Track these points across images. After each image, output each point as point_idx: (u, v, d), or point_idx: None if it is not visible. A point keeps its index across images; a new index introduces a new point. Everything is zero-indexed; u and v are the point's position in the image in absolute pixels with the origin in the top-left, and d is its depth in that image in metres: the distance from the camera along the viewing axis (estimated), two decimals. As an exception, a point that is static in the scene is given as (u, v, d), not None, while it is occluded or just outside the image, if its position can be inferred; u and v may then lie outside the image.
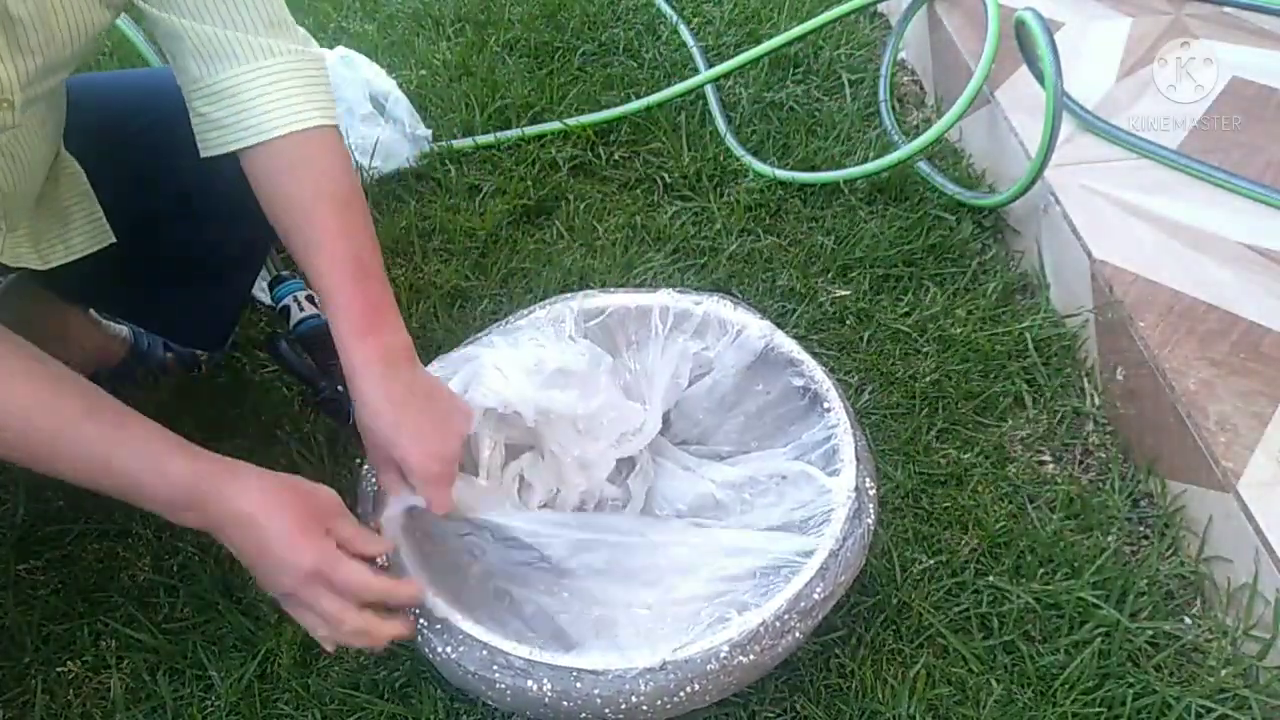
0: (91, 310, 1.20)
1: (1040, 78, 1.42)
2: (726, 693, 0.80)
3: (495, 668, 0.76)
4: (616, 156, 1.58)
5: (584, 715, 0.76)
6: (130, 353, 1.23)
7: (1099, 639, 0.95)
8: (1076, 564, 1.02)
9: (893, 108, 1.66)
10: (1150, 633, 0.96)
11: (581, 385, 0.96)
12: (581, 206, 1.49)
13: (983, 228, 1.45)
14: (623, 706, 0.75)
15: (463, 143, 1.60)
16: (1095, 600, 0.98)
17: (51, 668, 0.97)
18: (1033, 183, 1.32)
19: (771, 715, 0.92)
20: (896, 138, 1.60)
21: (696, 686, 0.75)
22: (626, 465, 1.04)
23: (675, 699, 0.75)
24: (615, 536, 0.89)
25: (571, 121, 1.61)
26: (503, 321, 1.03)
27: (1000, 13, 1.43)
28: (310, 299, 1.16)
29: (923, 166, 1.50)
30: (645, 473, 1.03)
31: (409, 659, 0.95)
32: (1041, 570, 1.02)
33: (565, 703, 0.75)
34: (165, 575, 1.04)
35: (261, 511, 0.75)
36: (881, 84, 1.69)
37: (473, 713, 0.92)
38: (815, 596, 0.78)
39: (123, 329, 1.24)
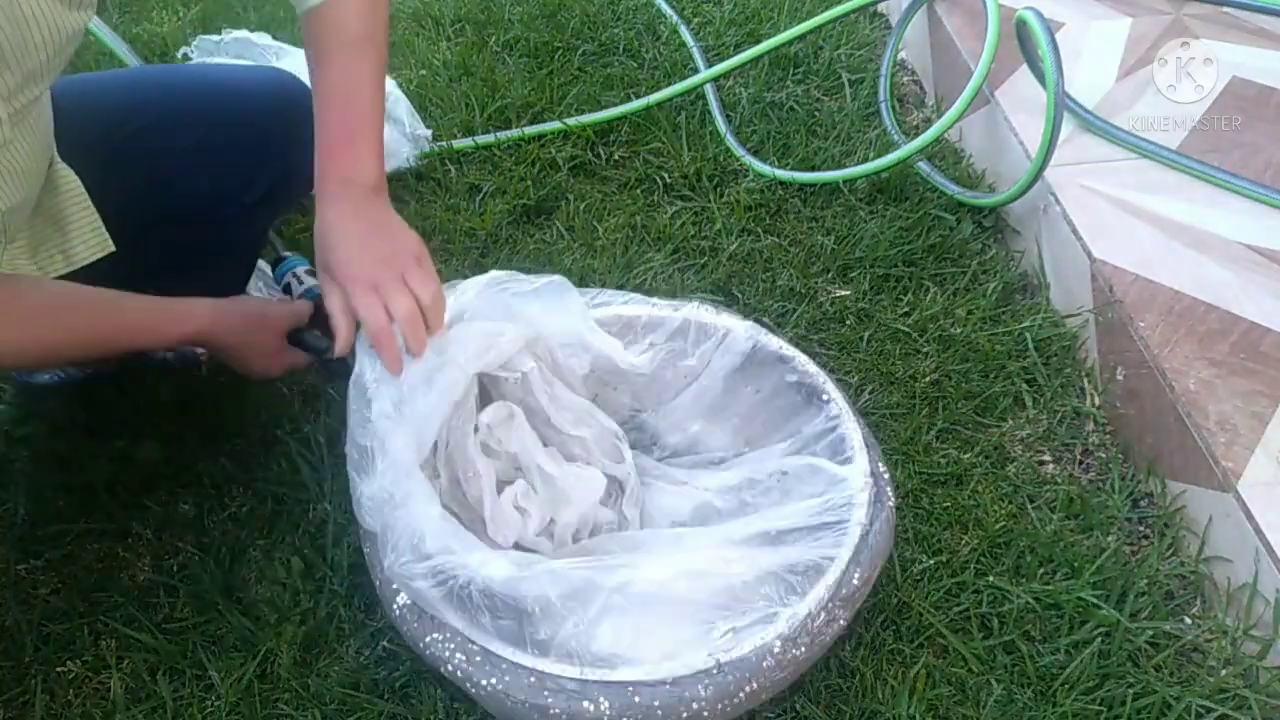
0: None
1: (1041, 77, 1.42)
2: (780, 688, 0.78)
3: (546, 693, 0.74)
4: (616, 156, 1.58)
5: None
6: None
7: (1099, 639, 0.95)
8: (1076, 564, 1.02)
9: (893, 108, 1.66)
10: (1150, 633, 0.97)
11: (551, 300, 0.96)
12: (581, 206, 1.49)
13: (983, 228, 1.45)
14: (684, 715, 0.73)
15: (463, 143, 1.61)
16: (1095, 600, 0.98)
17: (51, 668, 0.96)
18: (1033, 182, 1.32)
19: (771, 715, 0.92)
20: (896, 138, 1.60)
21: (755, 685, 0.74)
22: (615, 489, 1.01)
23: (735, 700, 0.73)
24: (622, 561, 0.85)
25: (572, 121, 1.61)
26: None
27: (1000, 13, 1.43)
28: (310, 272, 1.15)
29: (923, 166, 1.50)
30: (634, 495, 1.00)
31: (409, 659, 0.95)
32: (1041, 570, 1.02)
33: (625, 718, 0.73)
34: (165, 575, 1.04)
35: (242, 327, 0.95)
36: (881, 84, 1.69)
37: (473, 713, 0.92)
38: (854, 583, 0.78)
39: (123, 328, 1.24)
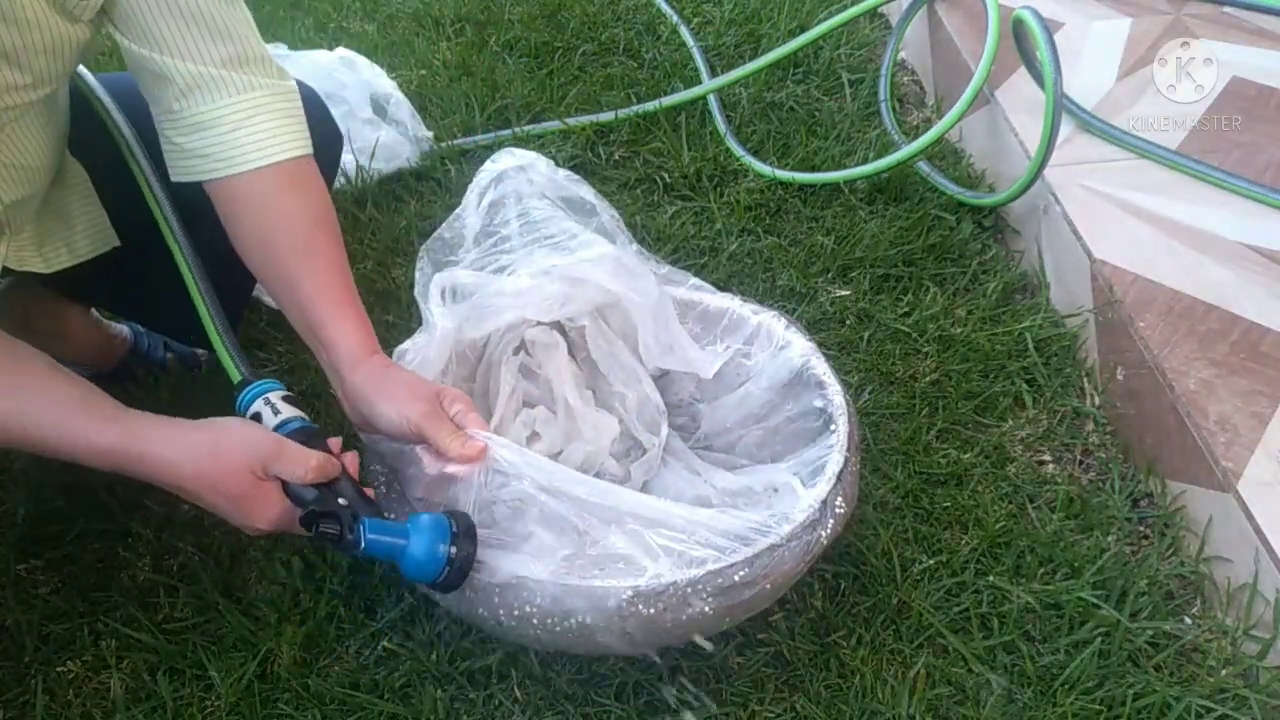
0: (93, 310, 1.20)
1: (1038, 77, 1.42)
2: (621, 643, 0.80)
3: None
4: (616, 156, 1.58)
5: (482, 610, 0.79)
6: (130, 352, 1.24)
7: (1099, 639, 0.95)
8: (1076, 564, 1.02)
9: (893, 108, 1.66)
10: (1150, 633, 0.97)
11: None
12: (581, 206, 1.49)
13: (983, 228, 1.45)
14: (515, 613, 0.77)
15: (463, 142, 1.61)
16: (1095, 600, 0.98)
17: (51, 668, 0.96)
18: (1032, 182, 1.32)
19: (771, 715, 0.92)
20: (896, 138, 1.60)
21: (588, 619, 0.76)
22: (637, 451, 1.05)
23: (564, 624, 0.76)
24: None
25: (572, 121, 1.61)
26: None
27: (1000, 13, 1.43)
28: (287, 399, 0.86)
29: (923, 166, 1.50)
30: (651, 463, 1.03)
31: (409, 659, 0.95)
32: (1041, 570, 1.02)
33: (468, 591, 0.79)
34: (165, 575, 1.04)
35: (200, 488, 0.76)
36: (881, 84, 1.69)
37: (472, 713, 0.92)
38: (735, 578, 0.78)
39: (123, 329, 1.24)
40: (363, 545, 0.76)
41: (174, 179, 0.88)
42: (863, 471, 1.12)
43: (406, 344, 0.96)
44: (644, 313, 1.01)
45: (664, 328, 1.03)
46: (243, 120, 0.84)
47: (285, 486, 0.79)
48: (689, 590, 0.77)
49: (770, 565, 0.79)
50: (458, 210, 1.11)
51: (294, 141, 0.86)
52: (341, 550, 0.78)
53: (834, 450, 0.91)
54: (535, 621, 0.77)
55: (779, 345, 1.02)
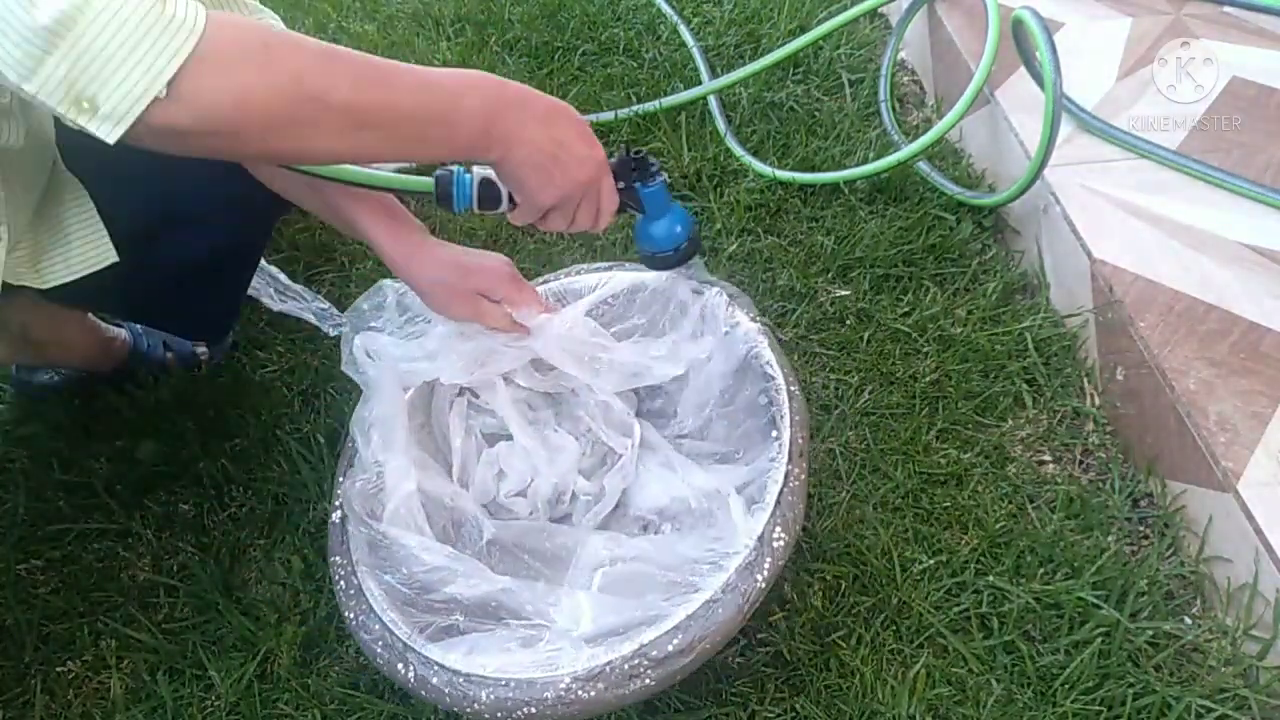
0: (89, 313, 1.20)
1: (1038, 77, 1.42)
2: None
3: (380, 645, 0.81)
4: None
5: (438, 706, 0.80)
6: (130, 353, 1.24)
7: (1099, 639, 0.95)
8: (1076, 564, 1.02)
9: (893, 108, 1.66)
10: (1150, 633, 0.97)
11: None
12: (581, 206, 1.49)
13: (983, 228, 1.45)
14: (467, 709, 0.77)
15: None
16: (1095, 600, 0.98)
17: (51, 668, 0.97)
18: (1031, 182, 1.32)
19: (771, 715, 0.92)
20: (896, 138, 1.60)
21: (533, 710, 0.75)
22: (612, 456, 1.04)
23: (512, 716, 0.76)
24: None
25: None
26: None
27: (1000, 13, 1.43)
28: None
29: (923, 166, 1.50)
30: (624, 471, 1.02)
31: (409, 659, 0.95)
32: (1041, 570, 1.02)
33: (423, 691, 0.79)
34: (165, 575, 1.04)
35: (562, 111, 0.83)
36: (881, 84, 1.69)
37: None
38: (669, 648, 0.76)
39: (122, 330, 1.24)
40: (661, 181, 0.89)
41: None
42: (863, 472, 1.12)
43: (362, 411, 0.93)
44: (569, 364, 0.99)
45: (595, 373, 1.00)
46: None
47: None
48: (626, 668, 0.75)
49: (706, 625, 0.76)
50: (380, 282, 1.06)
51: None
52: (643, 183, 0.90)
53: (775, 466, 0.85)
54: (486, 716, 0.77)
55: (725, 326, 0.98)
